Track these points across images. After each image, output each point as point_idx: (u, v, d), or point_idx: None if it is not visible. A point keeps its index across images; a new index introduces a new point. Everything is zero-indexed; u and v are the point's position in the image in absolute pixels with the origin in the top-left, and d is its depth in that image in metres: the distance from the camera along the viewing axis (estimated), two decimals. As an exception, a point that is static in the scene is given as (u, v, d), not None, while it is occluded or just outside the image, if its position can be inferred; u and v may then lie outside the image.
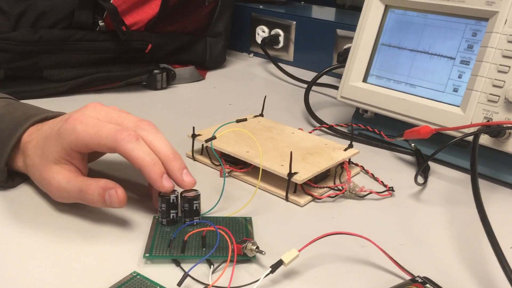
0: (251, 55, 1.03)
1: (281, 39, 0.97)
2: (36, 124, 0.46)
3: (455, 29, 0.55)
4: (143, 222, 0.43)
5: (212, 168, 0.54)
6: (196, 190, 0.42)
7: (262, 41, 0.96)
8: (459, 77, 0.54)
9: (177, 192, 0.42)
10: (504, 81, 0.50)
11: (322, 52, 0.91)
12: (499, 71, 0.50)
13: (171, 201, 0.41)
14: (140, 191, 0.47)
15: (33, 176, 0.44)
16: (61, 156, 0.42)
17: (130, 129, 0.41)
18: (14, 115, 0.47)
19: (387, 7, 0.61)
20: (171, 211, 0.41)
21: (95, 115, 0.42)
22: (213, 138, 0.47)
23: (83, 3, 0.72)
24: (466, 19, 0.54)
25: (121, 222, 0.43)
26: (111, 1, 0.73)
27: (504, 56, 0.50)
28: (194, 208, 0.41)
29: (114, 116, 0.43)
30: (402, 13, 0.59)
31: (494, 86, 0.50)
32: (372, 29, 0.61)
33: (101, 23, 0.73)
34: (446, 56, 0.55)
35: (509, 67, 0.49)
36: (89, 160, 0.47)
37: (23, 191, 0.46)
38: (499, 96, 0.50)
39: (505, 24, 0.50)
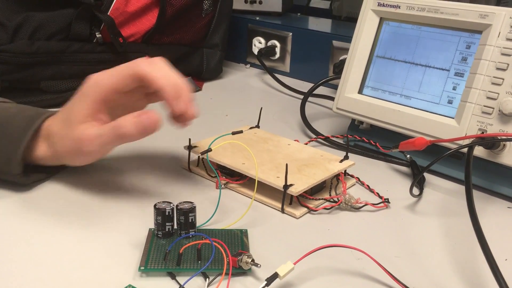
0: (248, 66, 1.04)
1: (278, 50, 0.97)
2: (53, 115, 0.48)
3: (449, 42, 0.55)
4: (138, 234, 0.42)
5: (208, 180, 0.54)
6: (192, 203, 0.42)
7: (258, 52, 0.96)
8: (454, 89, 0.55)
9: (173, 205, 0.42)
10: (498, 93, 0.50)
11: (318, 63, 0.92)
12: (493, 83, 0.51)
13: (167, 213, 0.41)
14: (136, 204, 0.47)
15: (63, 147, 0.45)
16: (87, 113, 0.44)
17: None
18: (27, 113, 0.48)
19: (382, 20, 0.61)
20: (167, 224, 0.41)
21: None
22: (209, 150, 0.48)
23: (80, 15, 0.72)
24: (460, 32, 0.55)
25: (116, 235, 0.42)
26: (108, 13, 0.74)
27: (498, 69, 0.50)
28: (190, 221, 0.41)
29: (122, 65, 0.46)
30: (396, 25, 0.60)
31: (488, 98, 0.51)
32: (367, 41, 0.62)
33: (98, 35, 0.74)
34: (441, 68, 0.56)
35: (503, 79, 0.50)
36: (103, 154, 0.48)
37: (18, 204, 0.46)
38: (493, 108, 0.50)
39: (498, 36, 0.51)
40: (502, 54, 0.50)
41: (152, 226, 0.42)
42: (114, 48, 0.75)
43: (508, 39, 0.50)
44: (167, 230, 0.41)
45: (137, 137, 0.44)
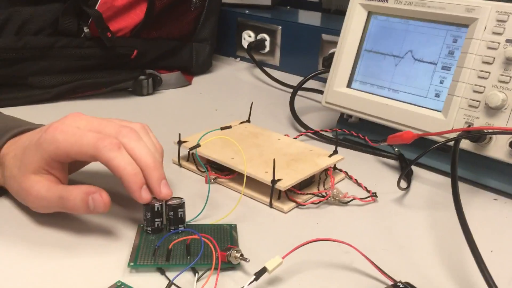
0: (238, 59, 1.04)
1: (267, 43, 0.97)
2: (15, 136, 0.45)
3: (436, 35, 0.56)
4: (127, 231, 0.43)
5: (198, 174, 0.54)
6: (181, 198, 0.42)
7: (248, 46, 0.96)
8: (441, 82, 0.55)
9: (162, 200, 0.42)
10: (484, 87, 0.50)
11: (308, 56, 0.92)
12: (479, 77, 0.51)
13: (156, 209, 0.41)
14: (124, 200, 0.47)
15: (11, 187, 0.44)
16: (40, 166, 0.41)
17: (112, 137, 0.41)
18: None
19: (369, 14, 0.61)
20: (156, 220, 0.41)
21: (75, 124, 0.41)
22: (197, 146, 0.48)
23: (68, 10, 0.71)
24: (447, 25, 0.55)
25: (105, 232, 0.43)
26: (96, 8, 0.73)
27: (484, 62, 0.51)
28: (179, 216, 0.41)
29: (95, 124, 0.42)
30: (384, 19, 0.60)
31: (474, 91, 0.51)
32: (356, 35, 0.62)
33: (86, 30, 0.73)
34: (428, 61, 0.56)
35: (489, 73, 0.50)
36: (71, 171, 0.47)
37: (1, 205, 0.46)
38: (479, 102, 0.51)
39: (484, 30, 0.51)
40: (488, 48, 0.51)
41: (142, 222, 0.42)
42: (102, 43, 0.74)
43: (494, 33, 0.51)
44: (156, 226, 0.41)
45: (82, 213, 0.43)
